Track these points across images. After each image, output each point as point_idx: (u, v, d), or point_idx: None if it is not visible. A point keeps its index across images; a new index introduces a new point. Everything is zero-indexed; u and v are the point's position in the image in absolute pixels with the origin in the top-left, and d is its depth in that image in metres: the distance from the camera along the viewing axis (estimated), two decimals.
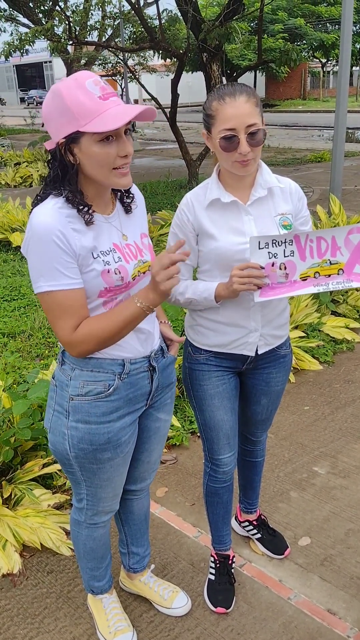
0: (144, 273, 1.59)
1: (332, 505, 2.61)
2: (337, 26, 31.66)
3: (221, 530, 2.16)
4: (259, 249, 1.62)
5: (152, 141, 20.47)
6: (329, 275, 1.68)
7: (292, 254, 1.64)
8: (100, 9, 11.34)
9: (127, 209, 1.62)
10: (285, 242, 1.62)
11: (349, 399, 3.51)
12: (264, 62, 9.13)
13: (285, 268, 1.65)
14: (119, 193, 1.63)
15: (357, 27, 32.27)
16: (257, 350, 1.89)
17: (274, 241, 1.61)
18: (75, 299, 1.46)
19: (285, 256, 1.63)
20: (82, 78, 1.39)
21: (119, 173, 1.45)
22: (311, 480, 2.78)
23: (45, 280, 1.43)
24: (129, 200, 1.63)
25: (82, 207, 1.46)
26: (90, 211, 1.48)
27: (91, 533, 1.86)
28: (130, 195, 1.65)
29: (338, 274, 1.68)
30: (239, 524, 2.44)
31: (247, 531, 2.40)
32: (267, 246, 1.62)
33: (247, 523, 2.40)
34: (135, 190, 1.67)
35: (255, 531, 2.37)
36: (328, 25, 31.79)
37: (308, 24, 30.08)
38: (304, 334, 4.07)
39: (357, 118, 23.59)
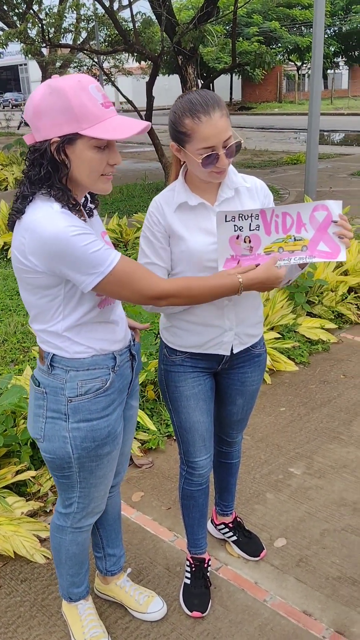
0: None
1: (308, 506, 2.62)
2: (311, 29, 31.99)
3: (197, 533, 2.16)
4: (225, 221, 1.63)
5: (129, 144, 20.45)
6: (293, 251, 1.69)
7: (257, 228, 1.65)
8: (75, 12, 11.28)
9: (90, 214, 1.62)
10: (251, 217, 1.63)
11: (325, 399, 3.53)
12: (238, 64, 9.17)
13: (249, 241, 1.66)
14: (83, 199, 1.63)
15: (331, 31, 32.70)
16: (232, 349, 1.89)
17: (241, 215, 1.63)
18: (133, 260, 1.51)
19: (250, 230, 1.65)
20: (85, 81, 1.40)
21: (105, 179, 1.50)
22: (287, 481, 2.79)
23: (100, 262, 1.42)
24: (92, 206, 1.64)
25: (74, 204, 1.46)
26: (78, 208, 1.49)
27: (75, 538, 1.85)
28: (96, 201, 1.66)
29: (302, 250, 1.69)
30: (215, 527, 2.43)
31: (223, 534, 2.40)
32: (233, 220, 1.63)
33: (222, 526, 2.39)
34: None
35: (231, 534, 2.37)
36: (303, 28, 32.15)
37: (283, 27, 30.38)
38: (279, 335, 4.09)
39: (332, 121, 23.91)
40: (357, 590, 2.17)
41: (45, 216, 1.39)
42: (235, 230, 1.64)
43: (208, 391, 1.95)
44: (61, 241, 1.37)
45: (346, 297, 4.80)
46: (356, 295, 4.88)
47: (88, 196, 1.65)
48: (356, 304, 4.82)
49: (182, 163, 1.78)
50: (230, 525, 2.37)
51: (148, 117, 9.30)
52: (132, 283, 1.48)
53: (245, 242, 1.66)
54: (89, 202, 1.65)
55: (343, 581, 2.22)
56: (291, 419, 3.33)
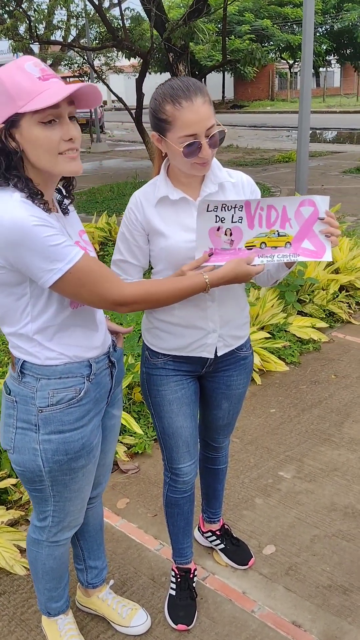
0: None
1: (298, 511, 2.55)
2: None
3: (182, 542, 2.08)
4: (207, 211, 1.53)
5: (120, 142, 20.33)
6: (276, 247, 1.60)
7: (240, 221, 1.56)
8: (64, 8, 11.17)
9: (65, 211, 1.53)
10: (235, 208, 1.54)
11: (315, 400, 3.46)
12: (228, 61, 9.09)
13: (230, 234, 1.57)
14: (58, 195, 1.54)
15: (322, 29, 32.65)
16: (216, 352, 1.81)
17: (224, 205, 1.53)
18: (98, 261, 1.42)
19: (232, 222, 1.55)
20: (21, 61, 1.33)
21: (67, 157, 1.37)
22: (277, 486, 2.71)
23: (59, 258, 1.32)
24: (68, 202, 1.55)
25: (34, 194, 1.35)
26: (44, 199, 1.38)
27: (52, 552, 1.76)
28: (72, 197, 1.56)
29: (285, 247, 1.59)
30: (202, 535, 2.35)
31: (210, 542, 2.32)
32: (215, 210, 1.53)
33: (210, 533, 2.31)
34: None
35: (218, 542, 2.29)
36: (294, 26, 32.09)
37: (275, 25, 30.32)
38: (269, 335, 4.01)
39: (325, 118, 23.87)
40: (349, 600, 2.10)
41: (4, 205, 1.30)
42: (216, 221, 1.55)
43: (192, 395, 1.87)
44: (20, 230, 1.27)
45: (337, 296, 4.74)
46: (347, 293, 4.82)
47: (63, 191, 1.56)
48: (347, 303, 4.75)
49: (164, 155, 1.70)
50: (218, 532, 2.30)
51: (138, 115, 9.20)
52: (92, 285, 1.38)
53: (226, 234, 1.57)
54: (64, 198, 1.56)
55: (334, 590, 2.15)
56: (281, 420, 3.26)
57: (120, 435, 3.04)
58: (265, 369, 3.78)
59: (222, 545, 2.28)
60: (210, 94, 1.60)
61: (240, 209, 1.55)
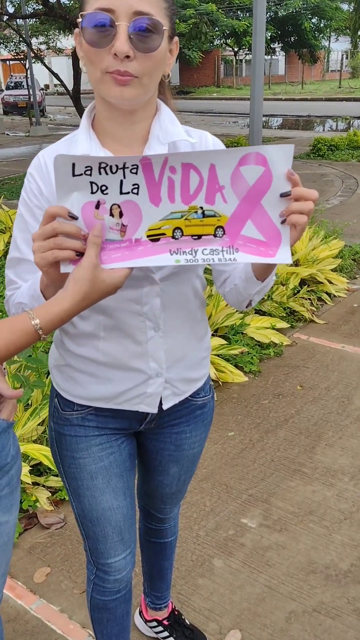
0: None
1: (268, 576, 2.00)
2: (248, 14, 31.53)
3: None
4: (74, 175, 0.89)
5: (62, 126, 19.33)
6: (200, 237, 0.95)
7: (135, 190, 0.91)
8: None
9: None
10: (123, 169, 0.89)
11: (280, 418, 2.92)
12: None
13: (120, 215, 0.92)
14: None
15: (267, 15, 32.31)
16: (161, 403, 1.21)
17: (104, 165, 0.89)
18: None
19: (122, 193, 0.91)
20: None
21: None
22: (239, 539, 2.15)
23: None
24: None
25: None
26: None
27: None
28: None
29: (215, 235, 0.95)
30: (145, 623, 1.77)
31: (156, 633, 1.74)
32: (88, 172, 0.89)
33: (155, 623, 1.73)
34: None
35: (166, 633, 1.72)
36: (239, 12, 31.63)
37: (220, 10, 29.76)
38: (225, 342, 3.44)
39: (271, 106, 23.59)
40: None
41: None
42: (93, 192, 0.90)
43: (125, 461, 1.26)
44: None
45: (298, 292, 4.23)
46: (309, 289, 4.32)
47: None
48: (309, 299, 4.25)
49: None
50: (165, 622, 1.72)
51: (76, 93, 8.43)
52: None
53: (112, 215, 0.92)
54: None
55: None
56: (242, 446, 2.70)
57: (42, 476, 2.41)
58: (220, 381, 3.21)
59: (171, 638, 1.71)
60: None
61: (135, 171, 0.90)
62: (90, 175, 0.89)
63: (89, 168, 0.88)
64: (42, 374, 2.77)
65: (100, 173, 0.89)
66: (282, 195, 0.93)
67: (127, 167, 0.89)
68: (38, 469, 2.43)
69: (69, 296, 0.90)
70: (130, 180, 0.90)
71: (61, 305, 0.91)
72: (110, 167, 0.89)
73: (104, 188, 0.90)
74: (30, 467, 2.36)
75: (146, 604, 1.74)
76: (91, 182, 0.89)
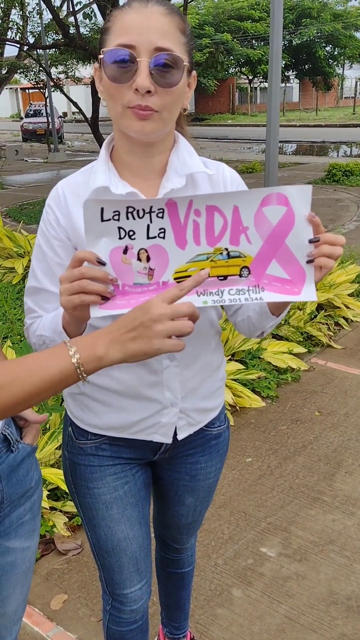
0: None
1: (288, 606, 1.96)
2: (262, 42, 32.14)
3: None
4: (102, 221, 0.91)
5: (79, 153, 19.69)
6: (225, 277, 0.96)
7: (162, 235, 0.93)
8: (19, 9, 10.57)
9: None
10: (150, 213, 0.91)
11: (299, 444, 2.89)
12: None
13: (148, 259, 0.94)
14: None
15: (281, 44, 32.87)
16: (175, 433, 1.21)
17: (131, 210, 0.91)
18: None
19: (149, 237, 0.93)
20: None
21: None
22: (259, 568, 2.12)
23: None
24: None
25: None
26: None
27: None
28: None
29: (241, 275, 0.97)
30: None
31: None
32: (116, 217, 0.91)
33: None
34: None
35: None
36: (254, 41, 32.23)
37: (235, 40, 30.35)
38: (242, 366, 3.43)
39: (285, 132, 23.84)
40: None
41: None
42: (121, 238, 0.93)
43: (140, 490, 1.26)
44: None
45: (315, 316, 4.21)
46: (326, 313, 4.30)
47: None
48: (326, 324, 4.23)
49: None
50: None
51: (94, 121, 8.60)
52: None
53: (139, 259, 0.94)
54: None
55: None
56: (260, 473, 2.67)
57: (59, 501, 2.40)
58: (238, 406, 3.20)
59: None
60: (187, 23, 1.03)
61: (161, 215, 0.92)
62: (118, 220, 0.91)
63: (117, 213, 0.90)
64: (59, 398, 2.78)
65: (127, 218, 0.91)
66: (311, 241, 0.94)
67: (154, 212, 0.91)
68: (55, 494, 2.42)
69: (128, 331, 0.88)
70: (157, 225, 0.92)
71: (107, 339, 0.88)
72: (138, 211, 0.91)
73: (131, 233, 0.92)
74: (48, 491, 2.36)
75: (164, 634, 1.71)
76: (119, 228, 0.91)
